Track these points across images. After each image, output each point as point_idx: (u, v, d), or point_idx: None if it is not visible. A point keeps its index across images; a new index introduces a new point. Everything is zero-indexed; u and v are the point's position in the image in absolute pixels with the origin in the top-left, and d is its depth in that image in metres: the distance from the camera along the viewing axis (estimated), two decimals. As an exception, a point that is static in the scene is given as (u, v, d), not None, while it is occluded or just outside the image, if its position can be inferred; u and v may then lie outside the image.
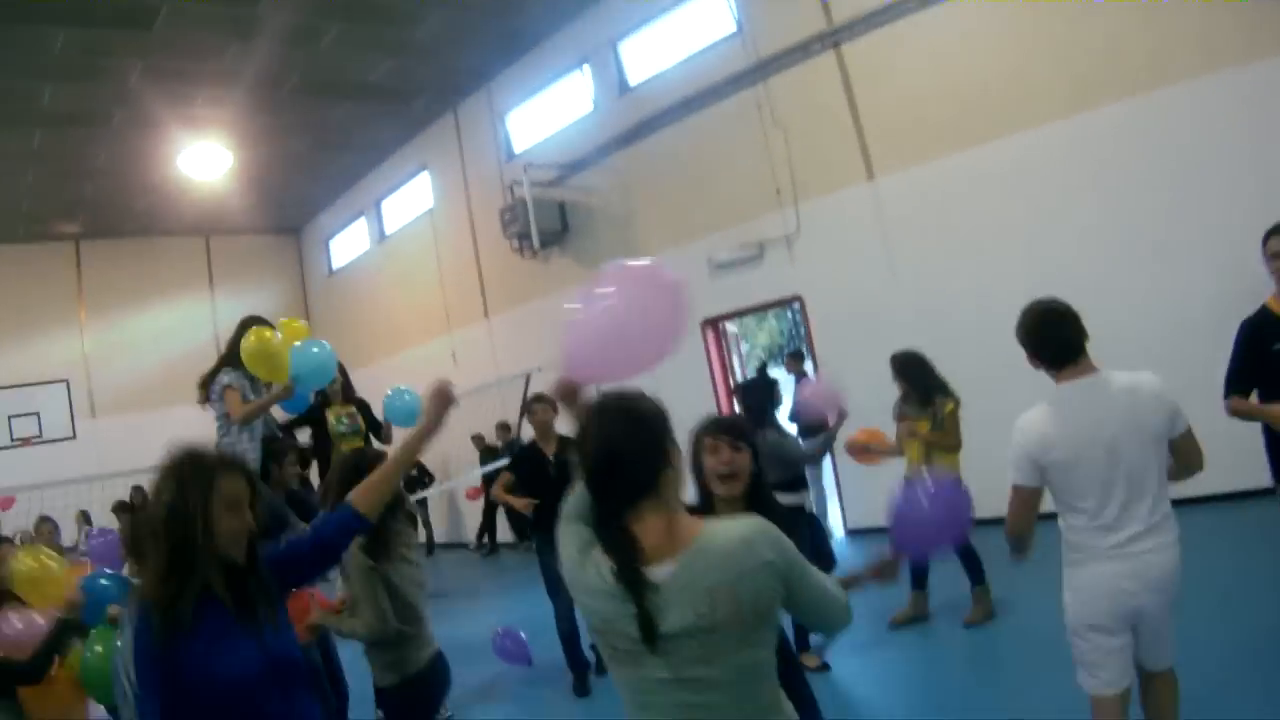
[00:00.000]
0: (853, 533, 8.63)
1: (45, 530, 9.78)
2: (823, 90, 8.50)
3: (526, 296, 11.99)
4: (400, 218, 14.67)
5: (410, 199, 14.35)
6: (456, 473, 12.75)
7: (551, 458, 5.39)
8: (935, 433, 5.27)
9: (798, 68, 8.72)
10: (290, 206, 15.25)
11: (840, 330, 8.58)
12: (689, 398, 9.05)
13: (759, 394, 5.32)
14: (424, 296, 14.06)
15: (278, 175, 13.14)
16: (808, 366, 9.19)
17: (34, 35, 8.39)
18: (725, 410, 9.25)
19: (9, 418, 11.23)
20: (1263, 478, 3.83)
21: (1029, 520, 2.81)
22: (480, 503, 12.90)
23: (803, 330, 9.56)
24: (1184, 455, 2.73)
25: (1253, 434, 3.72)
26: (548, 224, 11.17)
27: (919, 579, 5.53)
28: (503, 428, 12.40)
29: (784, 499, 4.86)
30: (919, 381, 5.39)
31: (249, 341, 4.54)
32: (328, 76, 10.66)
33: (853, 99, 8.34)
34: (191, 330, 14.91)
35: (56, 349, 13.81)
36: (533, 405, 5.62)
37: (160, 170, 11.50)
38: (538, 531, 5.64)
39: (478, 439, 12.56)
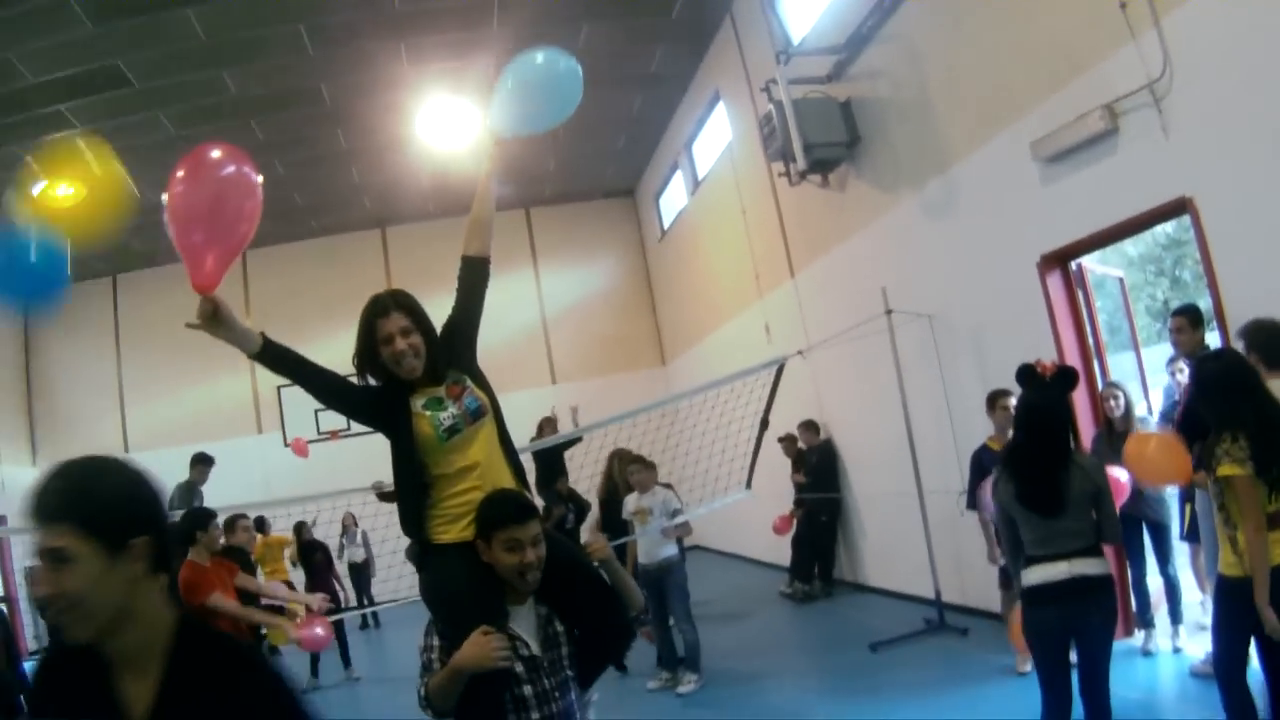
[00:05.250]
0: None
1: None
2: None
3: (826, 241, 8.77)
4: (707, 161, 12.03)
5: (714, 136, 11.64)
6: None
7: None
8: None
9: None
10: (610, 165, 13.52)
11: (1267, 257, 4.17)
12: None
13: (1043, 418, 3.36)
14: (734, 255, 11.36)
15: (567, 131, 11.41)
16: (1211, 336, 4.81)
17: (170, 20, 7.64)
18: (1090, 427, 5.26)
19: (315, 412, 11.17)
20: None
21: None
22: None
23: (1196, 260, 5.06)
24: None
25: None
26: (827, 135, 7.85)
27: None
28: (808, 427, 9.28)
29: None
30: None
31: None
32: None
33: None
34: (522, 308, 14.52)
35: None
36: None
37: (403, 142, 10.46)
38: None
39: (790, 440, 9.57)
